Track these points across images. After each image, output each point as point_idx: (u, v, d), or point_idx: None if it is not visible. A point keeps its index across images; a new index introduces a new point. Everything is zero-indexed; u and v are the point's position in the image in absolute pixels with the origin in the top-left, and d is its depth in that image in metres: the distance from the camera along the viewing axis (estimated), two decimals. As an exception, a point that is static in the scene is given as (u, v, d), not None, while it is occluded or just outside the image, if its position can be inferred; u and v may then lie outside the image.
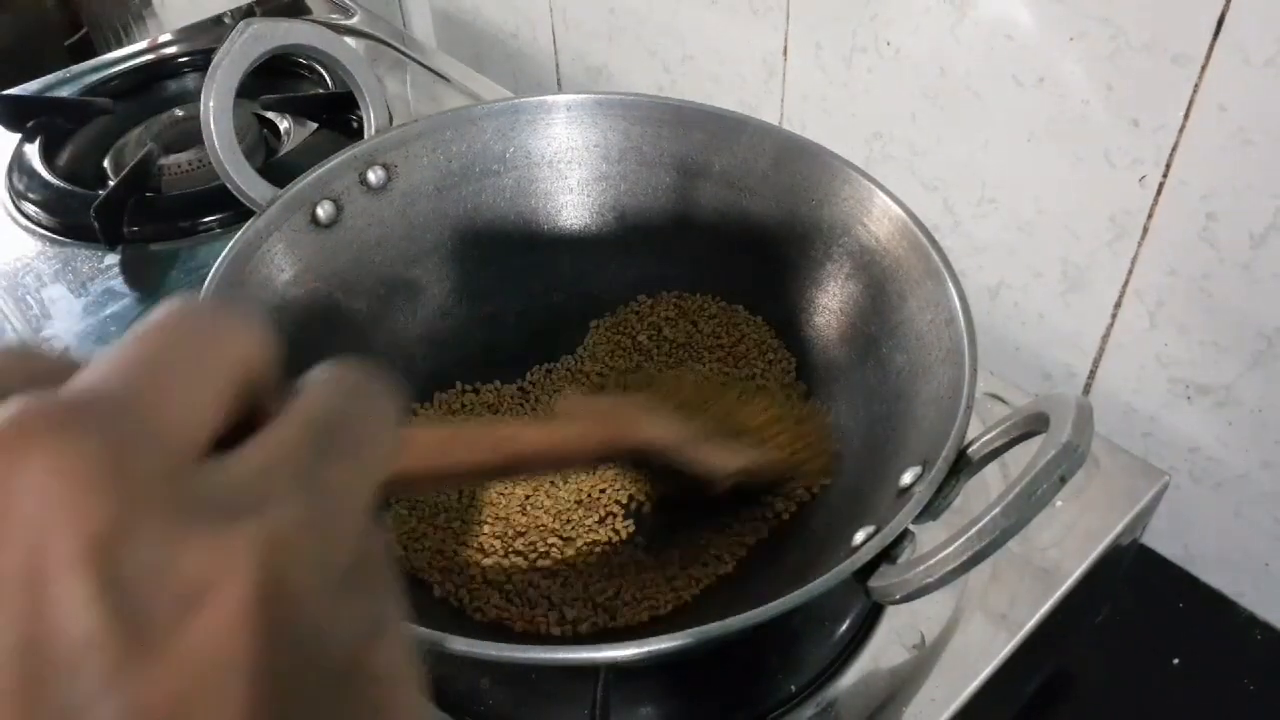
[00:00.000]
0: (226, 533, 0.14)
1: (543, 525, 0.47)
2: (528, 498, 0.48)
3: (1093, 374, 0.58)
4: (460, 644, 0.32)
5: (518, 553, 0.46)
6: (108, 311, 0.64)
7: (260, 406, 0.17)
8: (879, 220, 0.47)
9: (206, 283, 0.44)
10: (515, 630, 0.43)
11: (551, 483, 0.49)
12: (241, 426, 0.16)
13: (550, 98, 0.54)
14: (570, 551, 0.46)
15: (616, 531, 0.47)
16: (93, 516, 0.13)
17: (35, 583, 0.13)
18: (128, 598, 0.13)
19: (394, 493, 0.29)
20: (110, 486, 0.13)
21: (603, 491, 0.48)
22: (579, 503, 0.48)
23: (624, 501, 0.48)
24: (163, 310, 0.16)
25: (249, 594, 0.14)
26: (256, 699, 0.14)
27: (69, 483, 0.13)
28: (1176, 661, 0.52)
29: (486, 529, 0.47)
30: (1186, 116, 0.47)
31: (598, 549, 0.46)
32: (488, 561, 0.45)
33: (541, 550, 0.46)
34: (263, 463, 0.16)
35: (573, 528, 0.47)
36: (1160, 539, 0.57)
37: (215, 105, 0.48)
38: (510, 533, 0.47)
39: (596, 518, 0.47)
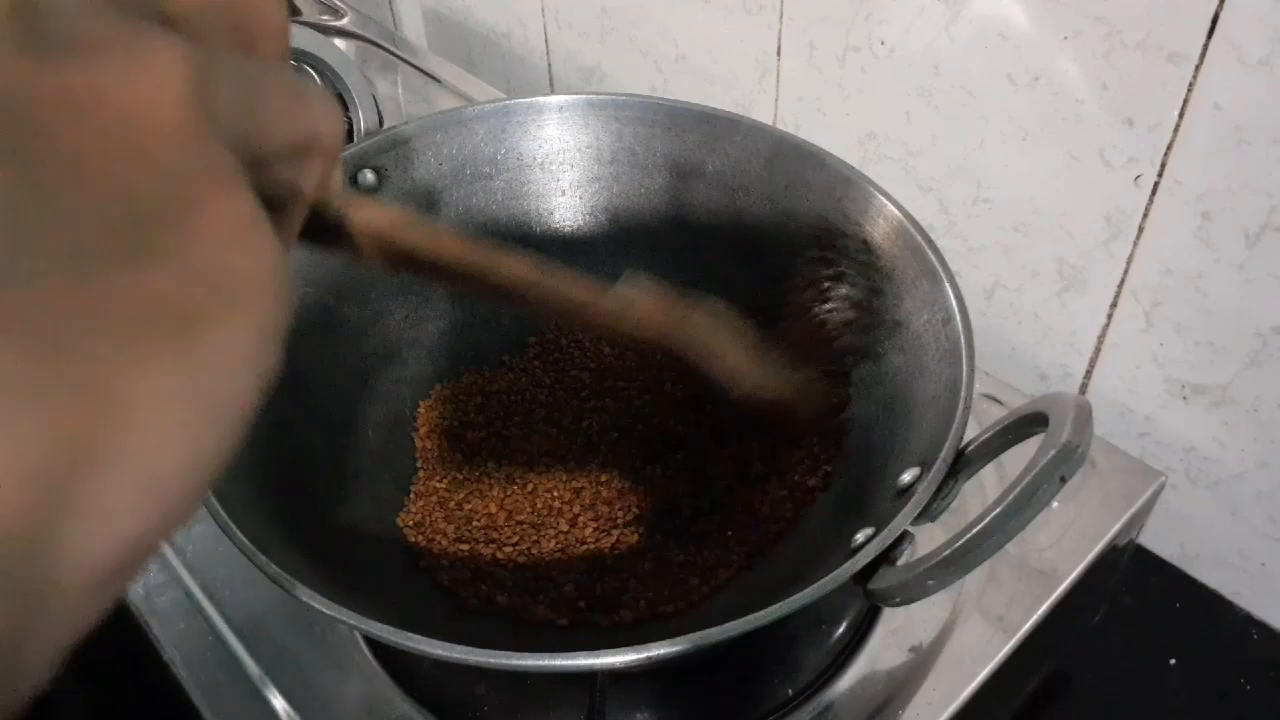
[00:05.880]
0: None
1: (547, 522, 0.47)
2: (535, 491, 0.48)
3: (1089, 374, 0.57)
4: (457, 651, 0.32)
5: (516, 544, 0.46)
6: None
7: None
8: (874, 220, 0.47)
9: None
10: (511, 619, 0.43)
11: (560, 482, 0.49)
12: None
13: (542, 99, 0.54)
14: (572, 548, 0.46)
15: (622, 535, 0.47)
16: None
17: None
18: None
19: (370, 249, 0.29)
20: None
21: (607, 497, 0.48)
22: (584, 506, 0.48)
23: (630, 508, 0.48)
24: None
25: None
26: None
27: None
28: (1174, 662, 0.52)
29: (493, 521, 0.47)
30: (1181, 115, 0.47)
31: (601, 549, 0.46)
32: (488, 551, 0.45)
33: (547, 546, 0.46)
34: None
35: (576, 528, 0.47)
36: (1157, 539, 0.57)
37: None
38: (514, 525, 0.47)
39: (602, 521, 0.47)
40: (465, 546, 0.46)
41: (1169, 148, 0.48)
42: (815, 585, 0.33)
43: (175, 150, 0.16)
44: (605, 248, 0.56)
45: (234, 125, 0.17)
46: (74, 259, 0.14)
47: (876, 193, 0.47)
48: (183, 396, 0.15)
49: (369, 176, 0.52)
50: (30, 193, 0.14)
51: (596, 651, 0.32)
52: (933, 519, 0.37)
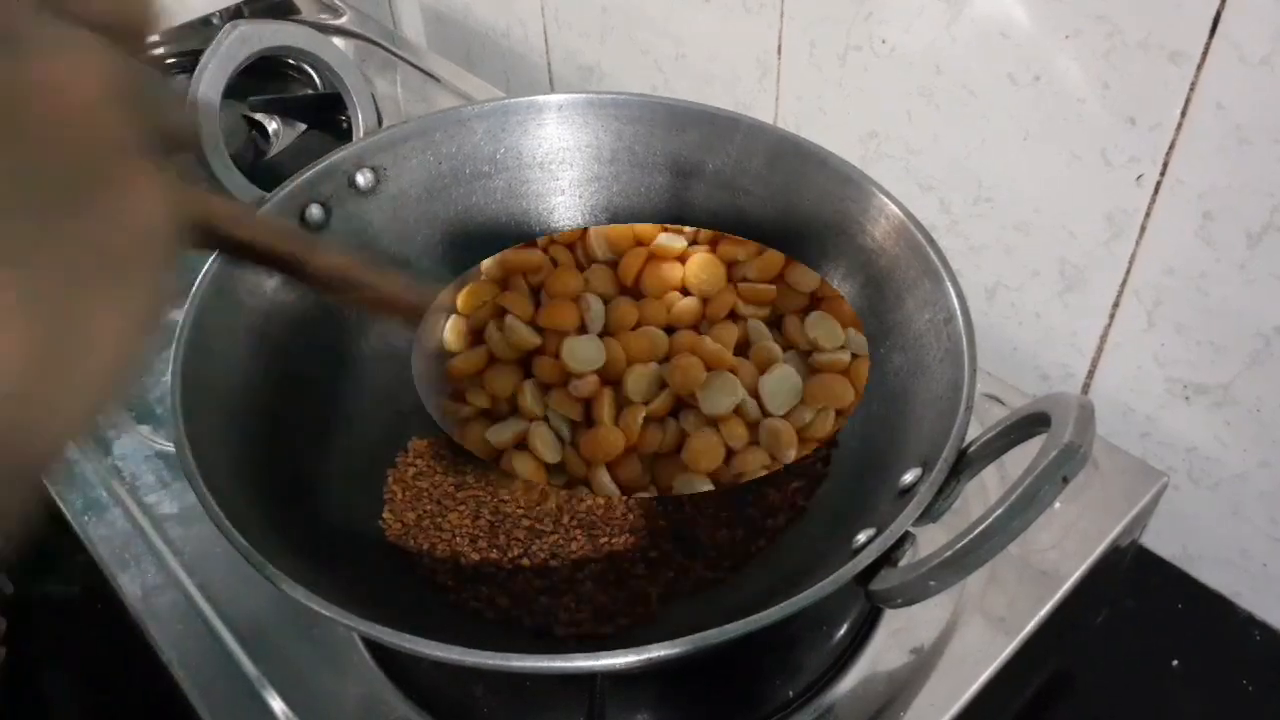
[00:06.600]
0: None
1: (548, 523, 0.47)
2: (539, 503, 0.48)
3: (1091, 374, 0.57)
4: (455, 652, 0.32)
5: (517, 546, 0.46)
6: (95, 316, 0.63)
7: None
8: (875, 219, 0.47)
9: (194, 288, 0.43)
10: (510, 620, 0.43)
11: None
12: None
13: (541, 98, 0.54)
14: (572, 549, 0.46)
15: (622, 536, 0.47)
16: None
17: None
18: None
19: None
20: None
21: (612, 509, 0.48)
22: (585, 505, 0.48)
23: (631, 508, 0.48)
24: None
25: None
26: None
27: None
28: (1176, 662, 0.52)
29: (492, 522, 0.47)
30: (1183, 115, 0.46)
31: (601, 550, 0.46)
32: (487, 552, 0.45)
33: (547, 547, 0.46)
34: None
35: (576, 529, 0.47)
36: (1159, 540, 0.57)
37: (201, 108, 0.47)
38: (514, 527, 0.47)
39: (603, 521, 0.47)
40: (464, 547, 0.46)
41: (1171, 147, 0.48)
42: (817, 586, 0.33)
43: (99, 125, 0.20)
44: (605, 247, 0.56)
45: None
46: (29, 209, 0.19)
47: (877, 192, 0.47)
48: (121, 323, 0.20)
49: (368, 175, 0.51)
50: None
51: (596, 653, 0.32)
52: (934, 520, 0.37)
